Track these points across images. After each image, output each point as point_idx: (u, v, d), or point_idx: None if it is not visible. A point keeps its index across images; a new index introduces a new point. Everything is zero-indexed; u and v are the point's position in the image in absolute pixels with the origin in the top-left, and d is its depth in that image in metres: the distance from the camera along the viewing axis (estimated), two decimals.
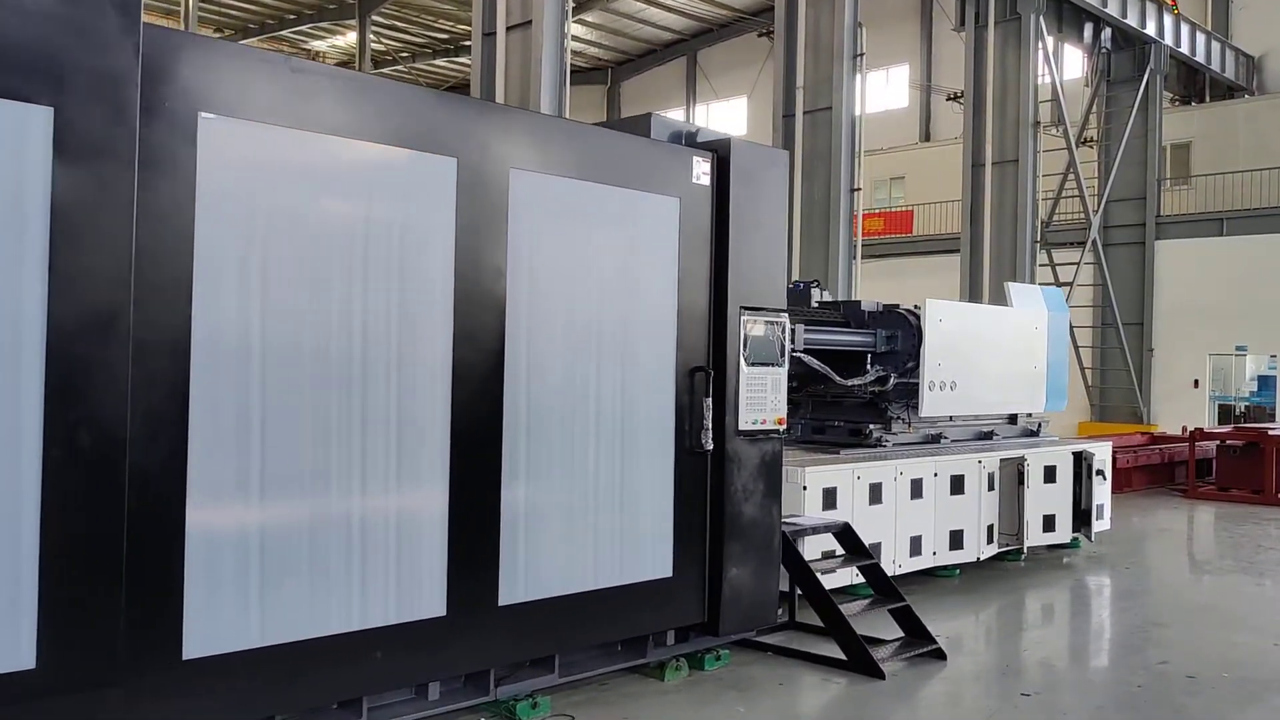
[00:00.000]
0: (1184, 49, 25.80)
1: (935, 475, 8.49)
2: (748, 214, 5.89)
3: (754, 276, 5.92)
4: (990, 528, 9.02)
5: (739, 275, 5.85)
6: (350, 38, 39.07)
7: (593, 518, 5.26)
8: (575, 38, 41.78)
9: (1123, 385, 24.42)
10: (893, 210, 32.32)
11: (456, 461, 4.72)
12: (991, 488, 9.02)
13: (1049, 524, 9.64)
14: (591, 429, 5.23)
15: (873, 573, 6.99)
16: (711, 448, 5.70)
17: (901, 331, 8.79)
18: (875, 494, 7.95)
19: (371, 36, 38.88)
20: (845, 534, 7.09)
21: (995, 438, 9.96)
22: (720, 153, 5.82)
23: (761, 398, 5.94)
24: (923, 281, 24.60)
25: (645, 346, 5.47)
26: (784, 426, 6.07)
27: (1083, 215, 23.84)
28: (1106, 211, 24.41)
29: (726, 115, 41.56)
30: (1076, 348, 22.96)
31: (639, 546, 5.48)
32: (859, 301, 9.16)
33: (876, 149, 33.64)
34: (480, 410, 4.82)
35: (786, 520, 6.88)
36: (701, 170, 5.72)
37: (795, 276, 18.36)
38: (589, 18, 39.64)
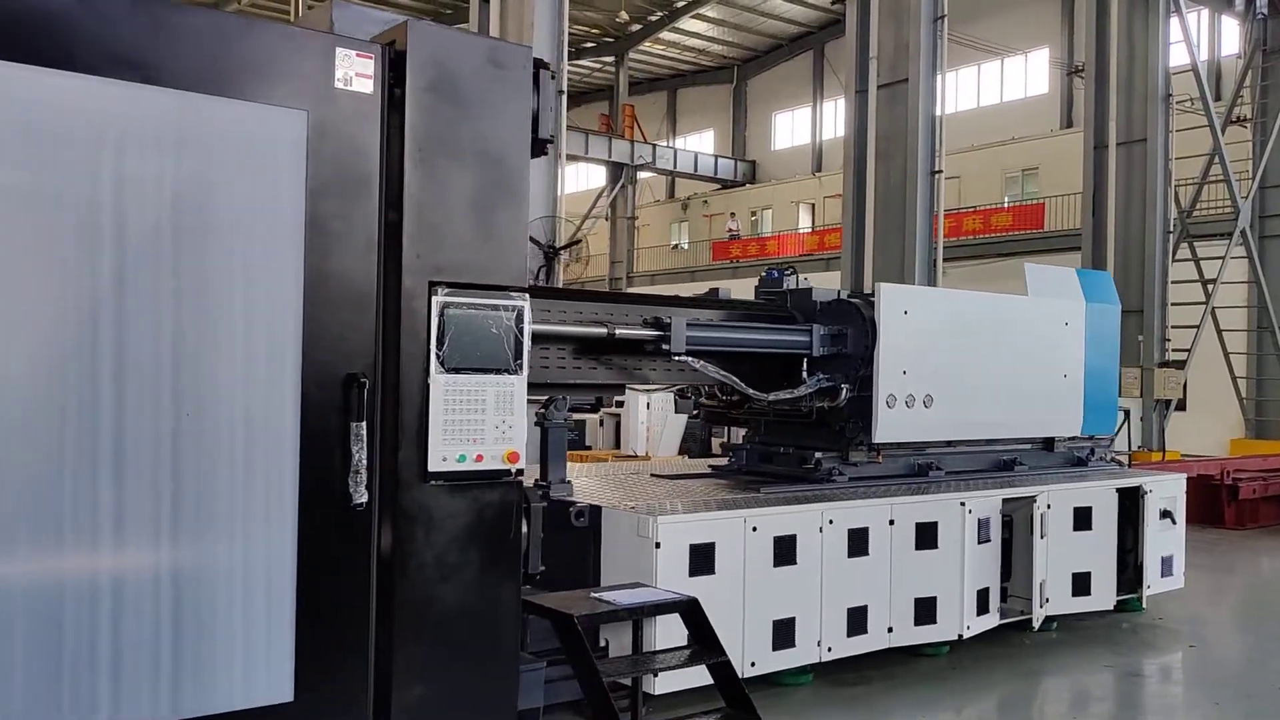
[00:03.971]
0: None
1: (891, 523, 6.19)
2: (448, 139, 3.86)
3: (460, 236, 3.89)
4: (983, 592, 6.63)
5: (428, 233, 3.82)
6: None
7: (111, 613, 3.31)
8: (698, 35, 40.11)
9: None
10: (1024, 204, 29.13)
11: None
12: (985, 538, 6.63)
13: (1081, 585, 7.17)
14: (101, 472, 3.29)
15: (722, 673, 4.81)
16: (364, 500, 3.69)
17: (851, 328, 6.52)
18: (786, 551, 5.73)
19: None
20: (692, 615, 4.95)
21: (1019, 468, 7.53)
22: (396, 46, 3.83)
23: (473, 422, 3.89)
24: None
25: (235, 340, 3.51)
26: (518, 464, 4.00)
27: (1231, 203, 20.37)
28: (1261, 199, 20.81)
29: None
30: (1227, 355, 19.61)
31: (227, 656, 3.51)
32: (809, 290, 6.93)
33: (1009, 139, 30.59)
34: None
35: (597, 596, 4.80)
36: (354, 70, 3.72)
37: (870, 277, 15.98)
38: (710, 13, 37.84)
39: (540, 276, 12.32)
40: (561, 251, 12.41)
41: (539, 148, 4.60)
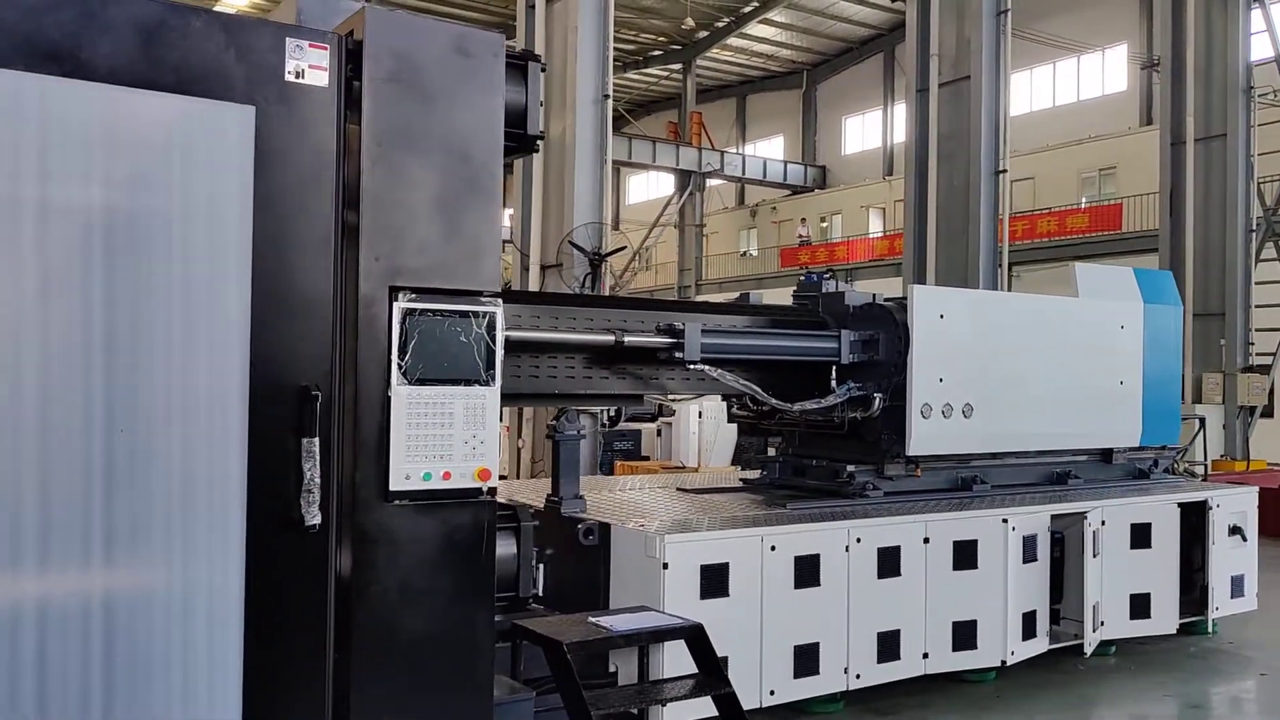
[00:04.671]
0: None
1: (926, 542, 5.79)
2: (410, 134, 3.60)
3: (424, 238, 3.62)
4: (1029, 615, 6.18)
5: (388, 235, 3.56)
6: None
7: (36, 645, 3.09)
8: (766, 40, 39.68)
9: None
10: (1101, 205, 28.17)
11: None
12: (1031, 557, 6.18)
13: (1140, 606, 6.67)
14: (26, 494, 3.06)
15: (727, 706, 4.47)
16: (318, 521, 3.44)
17: (884, 334, 6.14)
18: (808, 572, 5.37)
19: None
20: (697, 642, 4.62)
21: (1073, 482, 7.06)
22: (355, 35, 3.58)
23: (439, 438, 3.62)
24: None
25: (173, 352, 3.27)
26: (490, 482, 3.72)
27: None
28: None
29: None
30: None
31: (165, 688, 3.27)
32: (842, 293, 6.55)
33: (1085, 138, 29.66)
34: None
35: (594, 621, 4.51)
36: (307, 62, 3.48)
37: (933, 283, 15.44)
38: (778, 17, 37.39)
39: (586, 284, 12.07)
40: (607, 258, 12.13)
41: (528, 145, 4.34)
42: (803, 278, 7.20)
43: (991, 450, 6.53)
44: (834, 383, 6.12)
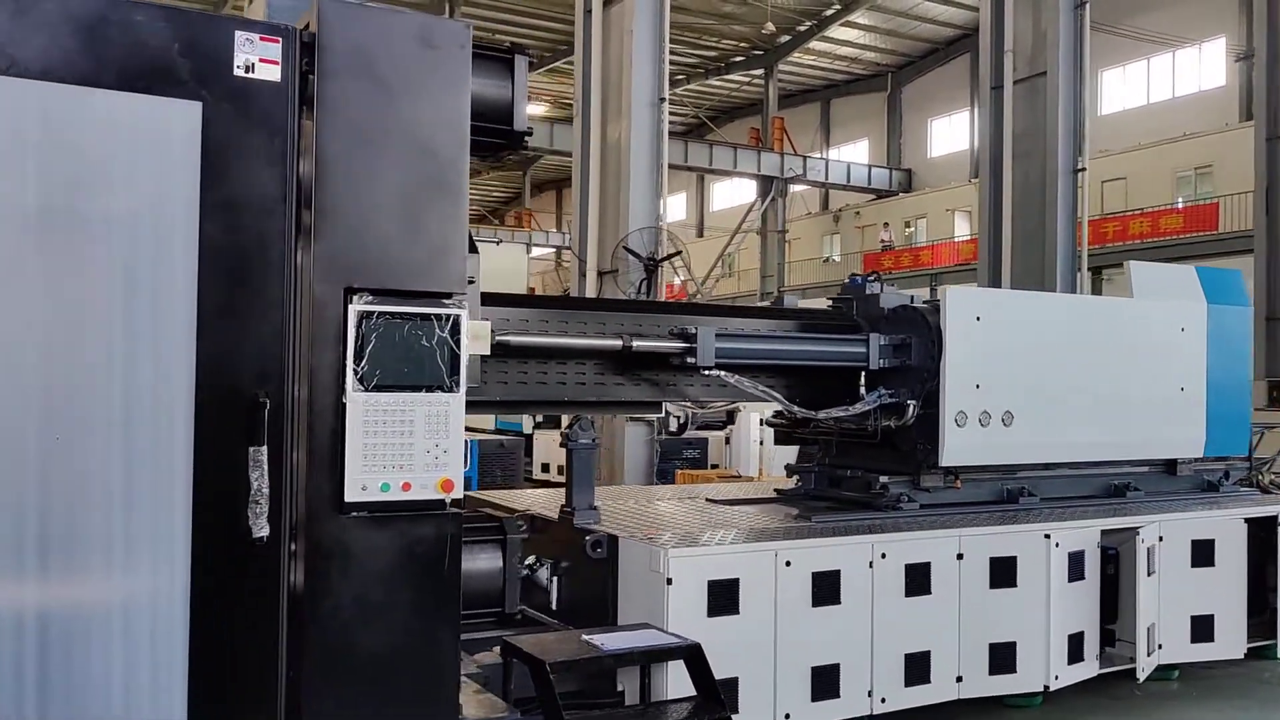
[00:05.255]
0: None
1: (959, 558, 5.46)
2: (368, 130, 3.44)
3: (382, 237, 3.46)
4: (1076, 637, 5.79)
5: (344, 234, 3.41)
6: None
7: None
8: (849, 43, 39.14)
9: None
10: (1197, 205, 27.06)
11: None
12: (1078, 575, 5.79)
13: (1202, 629, 6.22)
14: None
15: None
16: (265, 533, 3.29)
17: (916, 337, 5.82)
18: (827, 589, 5.08)
19: None
20: (695, 663, 4.37)
21: (1132, 494, 6.63)
22: (310, 28, 3.44)
23: (398, 447, 3.45)
24: None
25: (114, 357, 3.16)
26: (453, 493, 3.53)
27: None
28: None
29: None
30: None
31: (104, 708, 3.14)
32: (877, 296, 6.25)
33: (1179, 136, 28.56)
34: None
35: (587, 639, 4.30)
36: (257, 56, 3.35)
37: (1007, 284, 14.91)
38: (861, 19, 36.86)
39: (642, 289, 11.89)
40: (662, 263, 11.92)
41: (516, 141, 4.17)
42: (848, 279, 6.90)
43: (1035, 461, 6.15)
44: (863, 389, 5.81)
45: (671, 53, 38.04)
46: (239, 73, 3.32)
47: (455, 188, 3.58)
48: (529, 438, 18.81)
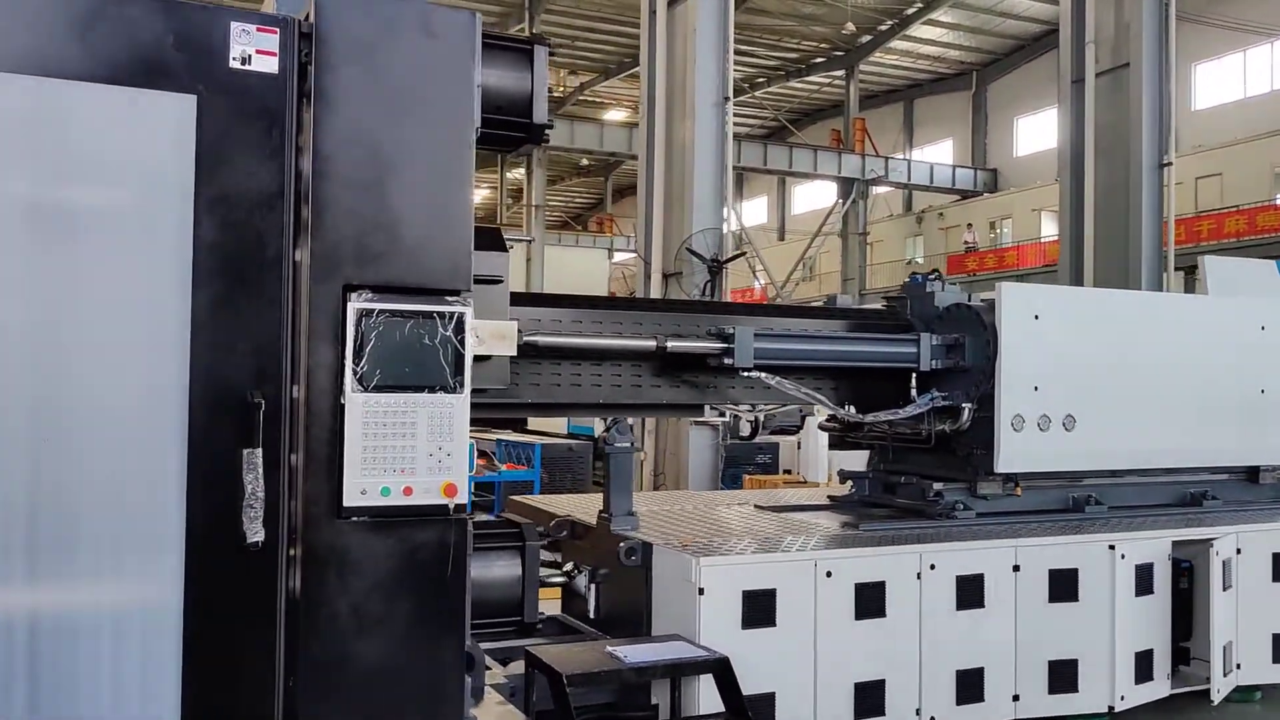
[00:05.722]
0: None
1: (1016, 570, 5.17)
2: (368, 122, 3.33)
3: (383, 233, 3.34)
4: (1145, 655, 5.45)
5: (343, 229, 3.30)
6: None
7: None
8: (932, 41, 38.44)
9: None
10: None
11: None
12: (1146, 589, 5.46)
13: None
14: None
15: None
16: (260, 538, 3.19)
17: (970, 337, 5.54)
18: (871, 601, 4.84)
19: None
20: (724, 677, 4.18)
21: (1209, 503, 6.25)
22: (310, 18, 3.33)
23: (400, 449, 3.32)
24: None
25: (105, 356, 3.08)
26: (457, 498, 3.39)
27: None
28: None
29: None
30: None
31: (94, 718, 3.07)
32: (933, 294, 5.98)
33: (1277, 131, 27.41)
34: None
35: (610, 650, 4.14)
36: (254, 48, 3.25)
37: (1089, 284, 14.38)
38: (944, 17, 36.14)
39: (706, 291, 11.69)
40: (726, 265, 11.71)
41: (536, 135, 4.04)
42: (909, 278, 6.64)
43: (1100, 468, 5.82)
44: (914, 391, 5.56)
45: (751, 55, 37.74)
46: (234, 65, 3.23)
47: (459, 181, 3.44)
48: (599, 441, 18.74)
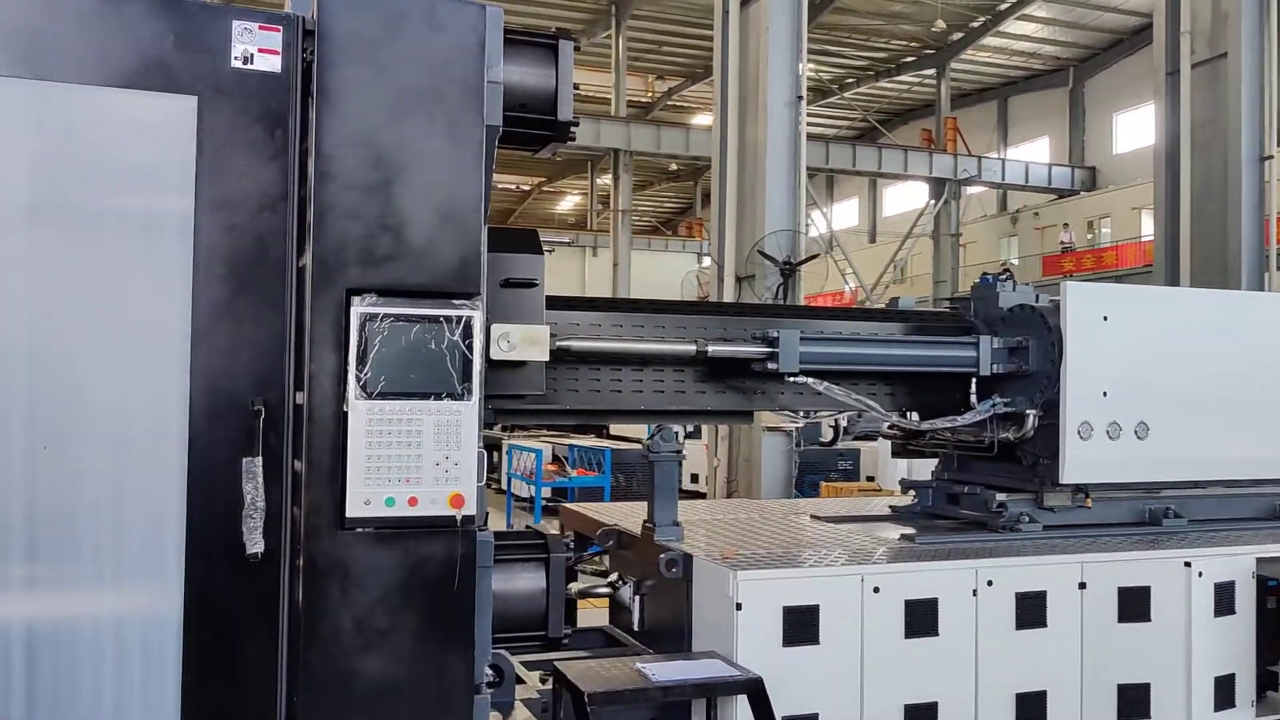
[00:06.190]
0: None
1: (1082, 587, 4.87)
2: (371, 120, 3.23)
3: (387, 235, 3.24)
4: (1225, 680, 5.09)
5: (346, 231, 3.20)
6: None
7: None
8: (1027, 37, 37.54)
9: None
10: None
11: None
12: (1228, 609, 5.10)
13: None
14: None
15: None
16: (260, 549, 3.10)
17: (1034, 340, 5.25)
18: (922, 618, 4.59)
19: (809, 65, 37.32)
20: (757, 699, 3.98)
21: None
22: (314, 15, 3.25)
23: (405, 459, 3.21)
24: None
25: (105, 363, 3.03)
26: (463, 509, 3.26)
27: None
28: None
29: None
30: None
31: None
32: (998, 294, 5.70)
33: None
34: None
35: (639, 668, 3.98)
36: (256, 46, 3.18)
37: (1186, 284, 13.77)
38: (1038, 12, 35.26)
39: (779, 294, 11.47)
40: (799, 267, 11.47)
41: (561, 133, 3.91)
42: (979, 279, 6.36)
43: (1175, 478, 5.46)
44: (973, 397, 5.28)
45: (839, 55, 37.19)
46: (236, 64, 3.17)
47: (469, 181, 3.32)
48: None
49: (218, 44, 3.15)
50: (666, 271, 40.93)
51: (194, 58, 3.12)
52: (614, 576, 5.49)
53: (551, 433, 16.78)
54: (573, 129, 3.95)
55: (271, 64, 3.20)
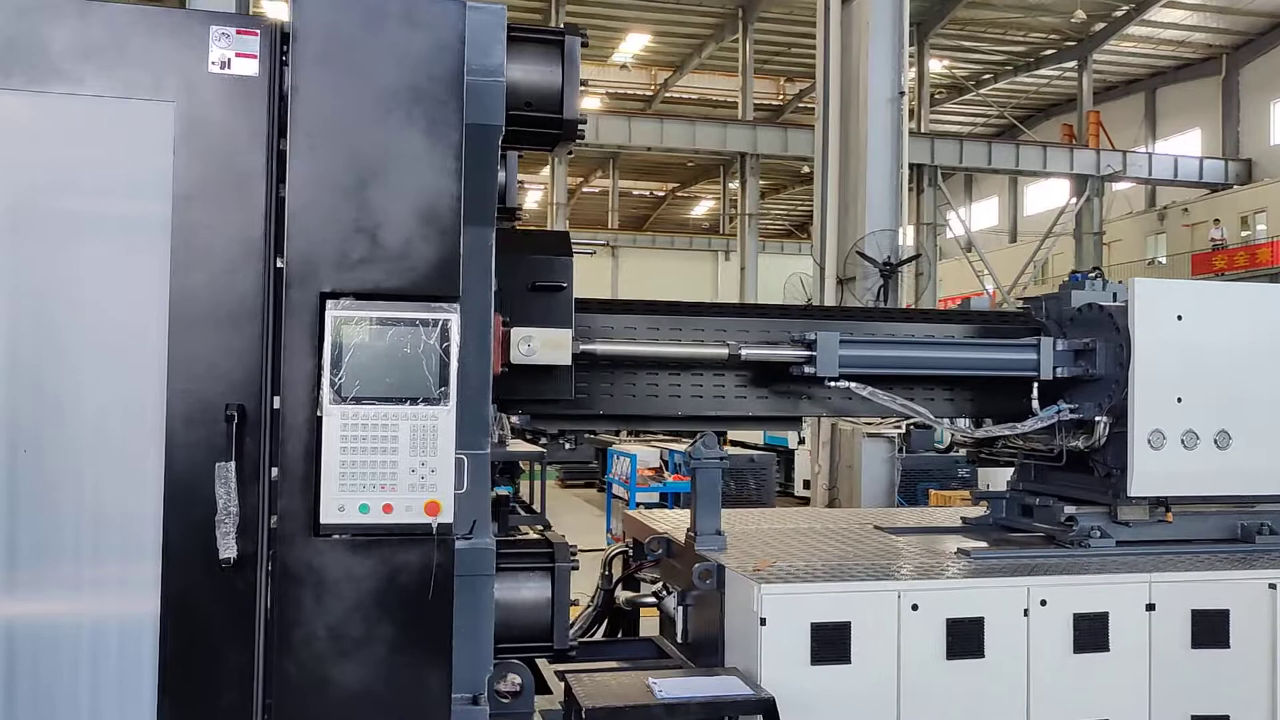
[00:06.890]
0: None
1: (1150, 608, 4.51)
2: (346, 123, 3.18)
3: (363, 238, 3.17)
4: None
5: (321, 235, 3.15)
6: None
7: None
8: (1175, 25, 35.79)
9: None
10: None
11: None
12: None
13: None
14: None
15: None
16: (233, 554, 3.08)
17: (1101, 342, 4.90)
18: (966, 639, 4.32)
19: (939, 63, 36.43)
20: (770, 718, 3.79)
21: None
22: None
23: (380, 465, 3.14)
24: None
25: (83, 366, 3.06)
26: (439, 517, 3.18)
27: None
28: None
29: None
30: None
31: None
32: (1069, 294, 5.35)
33: None
34: None
35: (651, 683, 3.85)
36: (233, 51, 3.16)
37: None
38: None
39: (880, 296, 11.13)
40: (899, 268, 11.11)
41: (569, 132, 3.82)
42: (1069, 277, 6.01)
43: (1260, 491, 5.02)
44: (1035, 403, 4.96)
45: (975, 50, 36.22)
46: (214, 69, 3.16)
47: (447, 183, 3.24)
48: (790, 453, 18.25)
49: (195, 50, 3.14)
50: (784, 272, 40.49)
51: (171, 64, 3.12)
52: (658, 586, 5.36)
53: (663, 437, 16.67)
54: (580, 127, 3.85)
55: (249, 68, 3.18)
